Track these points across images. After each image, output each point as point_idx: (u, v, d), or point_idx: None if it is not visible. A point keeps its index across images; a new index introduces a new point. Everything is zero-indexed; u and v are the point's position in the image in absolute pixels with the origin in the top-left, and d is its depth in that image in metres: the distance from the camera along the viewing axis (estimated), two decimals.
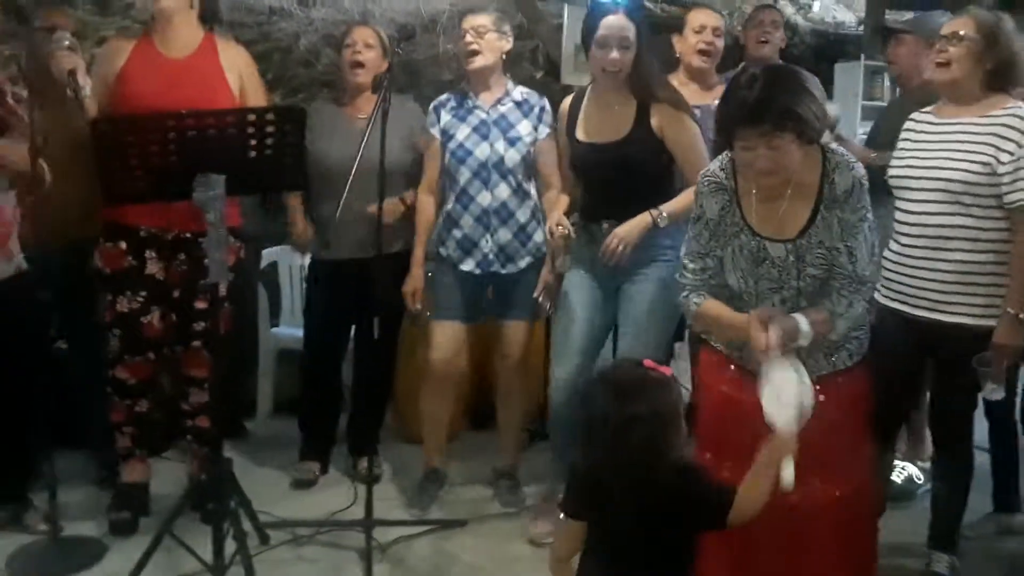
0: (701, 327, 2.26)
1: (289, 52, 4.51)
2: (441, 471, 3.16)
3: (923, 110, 2.64)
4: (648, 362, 1.74)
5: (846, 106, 4.97)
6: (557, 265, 2.82)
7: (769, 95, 1.90)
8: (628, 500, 1.65)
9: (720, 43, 2.97)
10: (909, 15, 3.82)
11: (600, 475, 1.68)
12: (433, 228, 3.03)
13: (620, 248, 2.63)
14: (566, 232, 2.70)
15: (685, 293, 2.18)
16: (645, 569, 1.66)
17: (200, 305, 2.78)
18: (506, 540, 2.87)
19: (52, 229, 2.69)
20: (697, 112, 2.84)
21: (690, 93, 2.99)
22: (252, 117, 2.44)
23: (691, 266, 2.18)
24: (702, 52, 2.93)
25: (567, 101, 2.85)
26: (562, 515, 1.82)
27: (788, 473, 1.67)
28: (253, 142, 2.42)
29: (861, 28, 5.52)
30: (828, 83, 4.91)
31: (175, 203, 2.46)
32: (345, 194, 2.66)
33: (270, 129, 2.43)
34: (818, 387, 1.93)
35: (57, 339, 3.19)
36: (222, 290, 2.60)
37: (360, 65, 3.12)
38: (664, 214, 2.65)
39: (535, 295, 2.93)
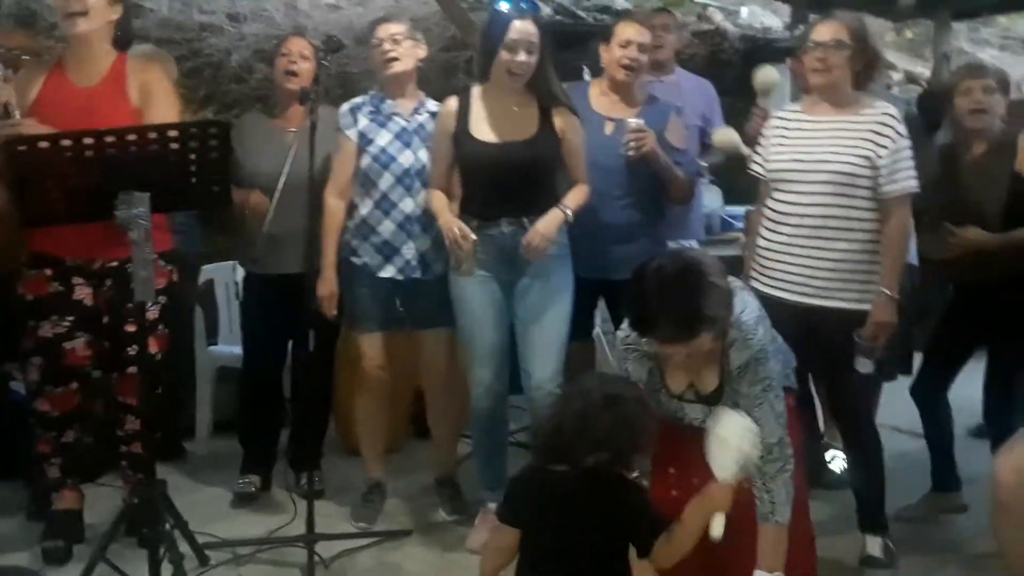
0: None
1: (220, 68, 4.48)
2: (383, 484, 3.15)
3: (790, 107, 2.83)
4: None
5: (775, 107, 5.06)
6: (464, 270, 2.79)
7: (679, 314, 1.86)
8: (576, 507, 1.66)
9: (644, 58, 3.02)
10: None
11: (553, 480, 1.68)
12: (342, 231, 2.95)
13: (542, 245, 2.68)
14: (471, 238, 2.70)
15: None
16: None
17: (131, 329, 2.70)
18: (451, 548, 2.87)
19: None
20: (612, 124, 2.95)
21: (611, 104, 3.03)
22: (174, 133, 2.40)
23: None
24: (626, 67, 2.98)
25: (452, 102, 2.82)
26: (496, 523, 1.81)
27: (718, 526, 1.69)
28: (176, 158, 2.40)
29: (787, 32, 5.65)
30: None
31: (100, 231, 2.39)
32: (273, 207, 2.67)
33: (193, 144, 2.40)
34: None
35: None
36: (150, 311, 2.58)
37: (294, 74, 3.11)
38: (570, 211, 2.73)
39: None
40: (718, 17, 5.76)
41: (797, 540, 2.13)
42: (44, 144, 2.35)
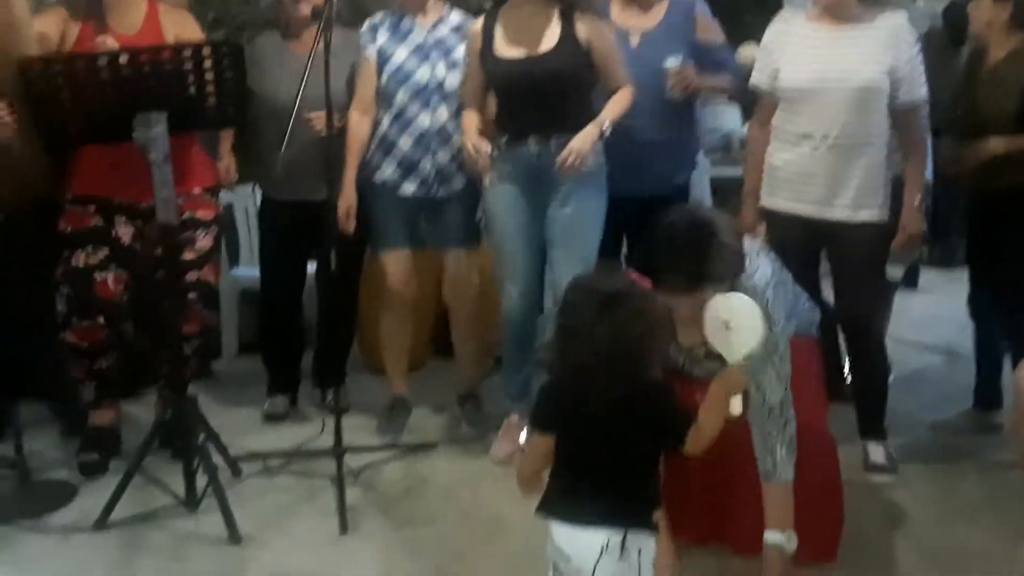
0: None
1: None
2: (407, 400, 3.22)
3: (795, 18, 2.73)
4: (631, 273, 1.77)
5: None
6: (486, 184, 2.81)
7: (684, 267, 1.89)
8: (604, 410, 1.67)
9: None
10: None
11: (577, 384, 1.69)
12: (366, 148, 2.97)
13: (576, 162, 2.62)
14: (488, 152, 2.70)
15: None
16: (613, 483, 1.68)
17: (188, 256, 2.74)
18: (474, 460, 2.94)
19: (15, 186, 2.65)
20: (637, 37, 2.88)
21: (632, 15, 2.95)
22: (188, 53, 2.41)
23: None
24: None
25: (478, 22, 2.79)
26: (528, 430, 1.84)
27: (736, 404, 1.71)
28: (191, 78, 2.42)
29: None
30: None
31: (147, 172, 2.38)
32: (289, 129, 2.64)
33: (207, 64, 2.41)
34: None
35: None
36: (202, 239, 2.70)
37: None
38: (607, 123, 2.66)
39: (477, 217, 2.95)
40: None
41: (819, 462, 2.17)
42: (60, 66, 2.37)
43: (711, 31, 2.97)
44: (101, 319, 2.72)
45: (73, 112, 2.36)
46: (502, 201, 2.81)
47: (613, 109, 2.69)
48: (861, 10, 2.61)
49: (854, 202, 2.62)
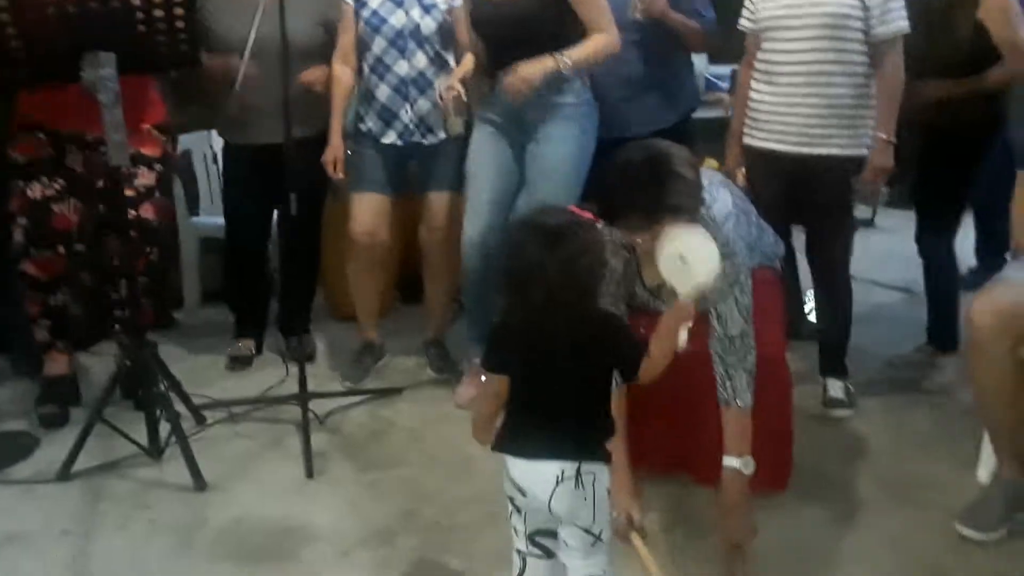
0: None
1: None
2: (376, 343, 3.21)
3: None
4: (572, 207, 1.76)
5: None
6: (448, 126, 2.81)
7: (642, 203, 1.85)
8: (556, 344, 1.66)
9: None
10: None
11: (529, 322, 1.68)
12: (350, 98, 2.96)
13: (522, 88, 2.58)
14: (456, 94, 2.69)
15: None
16: (566, 415, 1.68)
17: (129, 193, 2.70)
18: (439, 404, 2.95)
19: None
20: None
21: None
22: None
23: None
24: None
25: None
26: (483, 372, 1.84)
27: (683, 337, 1.71)
28: (140, 15, 2.32)
29: None
30: None
31: (93, 105, 2.31)
32: (241, 72, 2.59)
33: (158, 1, 2.33)
34: None
35: None
36: (144, 176, 2.66)
37: None
38: (567, 60, 2.61)
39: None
40: None
41: (774, 392, 2.19)
42: (4, 2, 2.27)
43: None
44: (61, 248, 2.72)
45: (20, 52, 2.27)
46: (478, 141, 2.81)
47: (581, 49, 2.64)
48: None
49: (827, 136, 2.61)
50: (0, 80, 2.38)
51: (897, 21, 2.55)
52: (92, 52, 2.29)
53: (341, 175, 2.92)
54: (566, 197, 2.68)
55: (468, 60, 2.84)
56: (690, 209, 1.91)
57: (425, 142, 2.94)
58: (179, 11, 2.36)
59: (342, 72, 2.93)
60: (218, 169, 3.63)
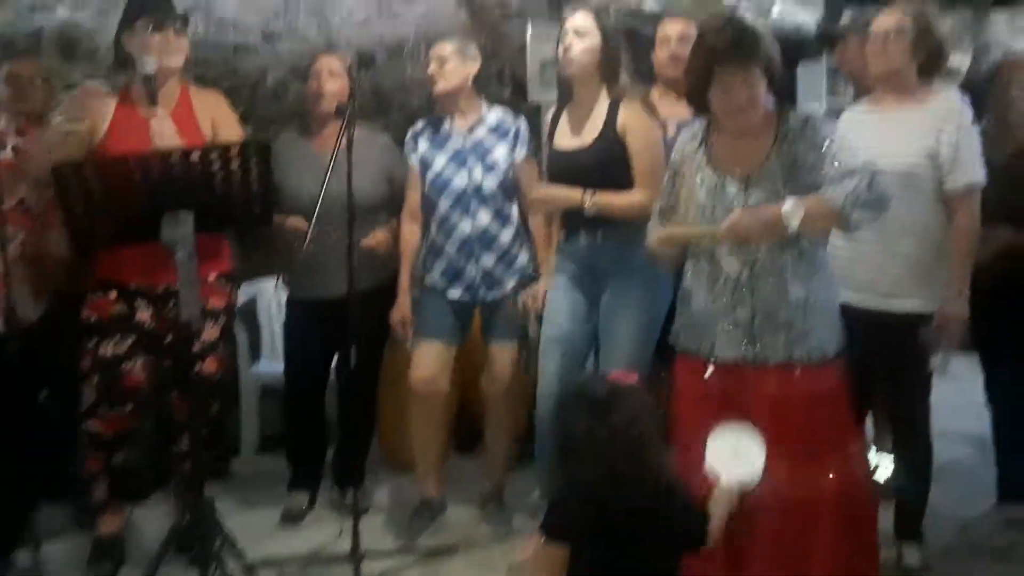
0: (662, 248, 2.34)
1: (257, 87, 4.50)
2: (436, 500, 3.11)
3: (857, 106, 2.74)
4: (616, 374, 1.73)
5: (811, 106, 5.02)
6: (528, 329, 2.93)
7: (738, 38, 2.12)
8: (620, 516, 1.63)
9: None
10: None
11: (589, 494, 1.65)
12: (417, 254, 3.03)
13: (528, 309, 2.78)
14: (539, 306, 2.83)
15: (649, 232, 2.37)
16: None
17: (194, 348, 2.69)
18: (496, 566, 2.83)
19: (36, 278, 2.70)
20: (674, 126, 2.88)
21: (670, 104, 2.96)
22: (216, 153, 2.42)
23: (658, 209, 2.39)
24: (673, 60, 2.99)
25: (551, 111, 2.91)
26: (543, 539, 1.78)
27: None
28: (219, 178, 2.41)
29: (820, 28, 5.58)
30: (792, 85, 4.96)
31: (162, 256, 2.41)
32: (311, 228, 2.67)
33: (235, 164, 2.42)
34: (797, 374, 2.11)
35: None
36: (210, 330, 2.70)
37: (324, 94, 3.12)
38: (594, 197, 2.64)
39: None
40: (750, 16, 5.69)
41: (864, 552, 2.16)
42: (91, 168, 2.38)
43: None
44: (130, 407, 2.72)
45: (104, 213, 2.36)
46: (555, 291, 2.84)
47: (613, 197, 2.65)
48: (917, 89, 2.55)
49: (899, 290, 2.53)
50: (82, 240, 2.45)
51: (969, 175, 2.49)
52: (172, 212, 2.37)
53: (411, 334, 2.94)
54: (643, 351, 2.69)
55: (544, 282, 2.92)
56: (775, 66, 2.19)
57: (491, 296, 2.95)
58: (256, 172, 2.45)
59: (409, 230, 3.01)
60: (281, 316, 3.68)
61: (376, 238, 3.02)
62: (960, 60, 6.31)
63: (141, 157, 2.39)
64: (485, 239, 2.93)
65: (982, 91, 3.14)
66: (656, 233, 2.30)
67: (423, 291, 3.02)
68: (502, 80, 4.84)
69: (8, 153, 2.81)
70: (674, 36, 3.06)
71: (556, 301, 2.83)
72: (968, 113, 2.51)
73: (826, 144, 2.16)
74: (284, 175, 3.07)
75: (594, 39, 2.68)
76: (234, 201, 2.46)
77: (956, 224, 2.51)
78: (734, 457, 1.76)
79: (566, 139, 2.78)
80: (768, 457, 1.89)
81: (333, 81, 3.13)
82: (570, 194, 2.67)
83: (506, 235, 2.95)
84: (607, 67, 2.70)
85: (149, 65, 2.60)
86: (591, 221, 2.70)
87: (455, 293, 2.95)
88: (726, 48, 2.12)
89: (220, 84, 3.46)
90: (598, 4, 5.68)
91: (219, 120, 2.83)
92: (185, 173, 2.37)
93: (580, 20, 2.69)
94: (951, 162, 2.47)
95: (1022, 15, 7.19)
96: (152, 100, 2.62)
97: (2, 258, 2.61)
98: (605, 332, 2.75)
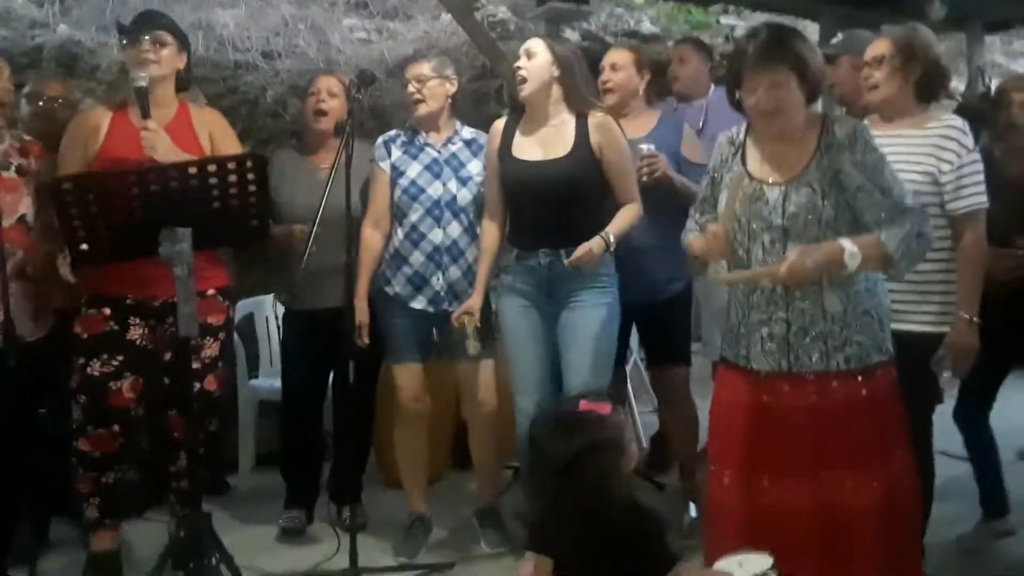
0: (699, 251, 2.30)
1: (256, 104, 4.55)
2: (427, 517, 3.11)
3: None
4: (584, 404, 1.76)
5: None
6: (467, 347, 2.84)
7: (768, 40, 2.13)
8: (582, 540, 1.66)
9: (619, 77, 3.05)
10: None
11: (552, 516, 1.69)
12: (378, 262, 2.99)
13: (587, 261, 2.67)
14: (473, 319, 2.79)
15: (686, 234, 2.36)
16: None
17: (196, 366, 2.70)
18: None
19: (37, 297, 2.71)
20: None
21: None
22: (213, 168, 2.43)
23: (696, 215, 2.38)
24: (605, 91, 3.03)
25: (500, 121, 2.89)
26: (528, 552, 1.80)
27: None
28: (216, 192, 2.42)
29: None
30: None
31: (159, 269, 2.40)
32: (310, 243, 2.69)
33: (232, 179, 2.42)
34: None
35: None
36: (210, 347, 2.69)
37: (323, 113, 3.15)
38: (612, 237, 2.68)
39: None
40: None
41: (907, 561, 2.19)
42: (89, 182, 2.40)
43: (694, 151, 3.04)
44: (116, 427, 2.68)
45: (102, 228, 2.36)
46: (511, 315, 2.83)
47: (618, 223, 2.72)
48: (915, 112, 2.53)
49: (900, 312, 2.45)
50: (84, 255, 2.44)
51: (971, 197, 2.45)
52: (170, 227, 2.38)
53: (367, 341, 2.92)
54: (605, 360, 2.72)
55: (494, 234, 2.88)
56: (811, 70, 2.16)
57: (453, 308, 2.92)
58: (252, 188, 2.46)
59: (372, 237, 2.97)
60: (279, 331, 3.69)
61: None
62: (955, 84, 6.37)
63: (140, 171, 2.40)
64: (453, 251, 2.92)
65: (979, 114, 3.15)
66: (720, 276, 2.24)
67: (386, 303, 2.97)
68: (500, 99, 4.89)
69: (12, 172, 2.82)
70: (607, 65, 3.11)
71: (518, 329, 2.82)
72: (968, 136, 2.48)
73: (877, 162, 2.15)
74: (279, 190, 3.09)
75: (543, 59, 2.72)
76: (231, 214, 2.46)
77: (962, 246, 2.46)
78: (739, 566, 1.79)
79: (527, 151, 2.78)
80: (809, 465, 1.94)
81: (331, 100, 3.15)
82: (598, 245, 2.66)
83: (472, 251, 2.95)
84: (564, 85, 2.75)
85: (139, 78, 2.63)
86: (556, 238, 2.72)
87: (420, 303, 2.93)
88: (752, 50, 2.14)
89: (220, 102, 3.49)
90: (597, 26, 5.80)
91: (217, 135, 2.83)
92: (183, 186, 2.38)
93: (529, 43, 2.78)
94: (954, 186, 2.44)
95: (1016, 39, 7.27)
96: (145, 113, 2.63)
97: (1, 275, 2.60)
98: (569, 349, 2.75)
